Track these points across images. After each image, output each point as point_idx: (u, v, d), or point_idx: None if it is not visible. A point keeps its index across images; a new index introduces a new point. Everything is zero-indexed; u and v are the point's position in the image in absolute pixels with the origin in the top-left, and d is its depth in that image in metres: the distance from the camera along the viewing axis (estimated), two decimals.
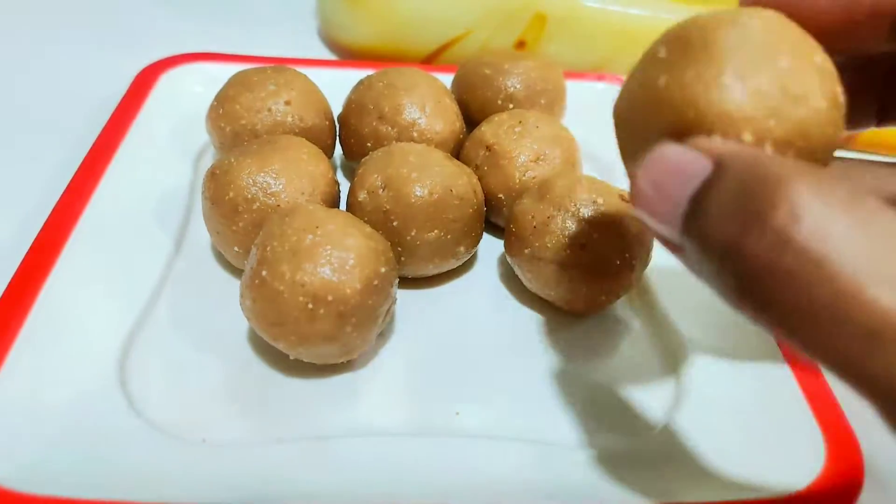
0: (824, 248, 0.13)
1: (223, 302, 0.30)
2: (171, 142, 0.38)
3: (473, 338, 0.30)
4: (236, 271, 0.32)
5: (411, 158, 0.30)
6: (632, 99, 0.21)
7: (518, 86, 0.37)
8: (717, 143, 0.16)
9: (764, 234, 0.14)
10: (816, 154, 0.19)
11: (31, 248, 0.29)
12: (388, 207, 0.30)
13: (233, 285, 0.31)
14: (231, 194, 0.29)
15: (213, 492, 0.23)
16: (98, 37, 0.51)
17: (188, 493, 0.22)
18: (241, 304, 0.27)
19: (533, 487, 0.24)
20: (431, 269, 0.31)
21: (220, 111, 0.34)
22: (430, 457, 0.25)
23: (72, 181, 0.32)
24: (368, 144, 0.35)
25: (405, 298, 0.31)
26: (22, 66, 0.47)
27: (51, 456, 0.23)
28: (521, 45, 0.48)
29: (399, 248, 0.30)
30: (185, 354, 0.28)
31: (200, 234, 0.33)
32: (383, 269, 0.26)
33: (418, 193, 0.30)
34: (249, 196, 0.29)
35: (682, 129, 0.18)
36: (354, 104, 0.36)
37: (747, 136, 0.18)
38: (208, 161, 0.38)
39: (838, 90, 0.19)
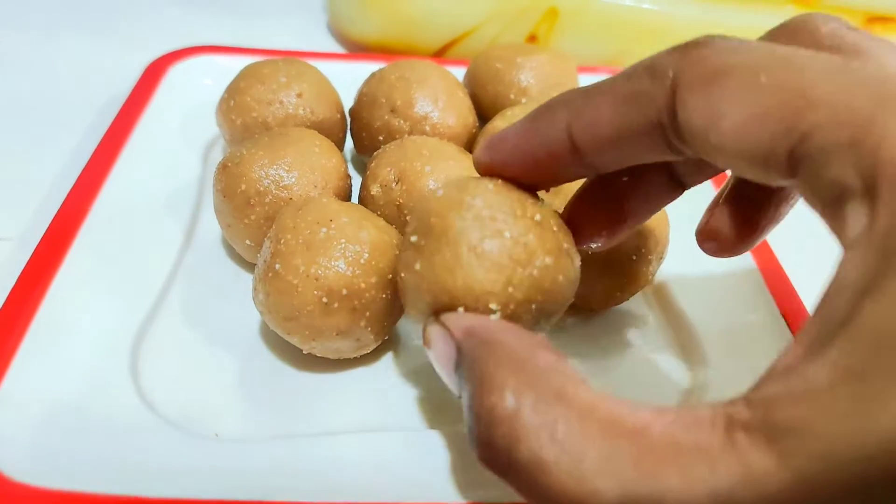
0: (516, 435, 0.15)
1: (235, 296, 0.30)
2: (181, 134, 0.37)
3: None
4: (247, 265, 0.32)
5: (425, 152, 0.30)
6: (402, 279, 0.23)
7: (531, 80, 0.37)
8: (459, 322, 0.20)
9: (481, 413, 0.16)
10: (558, 299, 0.22)
11: (42, 240, 0.28)
12: (401, 201, 0.29)
13: (244, 279, 0.31)
14: (243, 187, 0.29)
15: (226, 486, 0.22)
16: (108, 29, 0.51)
17: (201, 488, 0.22)
18: (253, 298, 0.26)
19: None
20: None
21: (231, 103, 0.34)
22: (444, 452, 0.25)
23: (82, 174, 0.32)
24: (380, 138, 0.35)
25: None
26: (33, 59, 0.47)
27: (63, 450, 0.23)
28: (532, 39, 0.47)
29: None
30: (196, 348, 0.28)
31: (211, 227, 0.32)
32: None
33: (432, 187, 0.29)
34: (262, 189, 0.28)
35: (442, 307, 0.21)
36: (366, 97, 0.35)
37: (494, 306, 0.21)
38: (218, 154, 0.38)
39: (561, 240, 0.22)
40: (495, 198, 0.22)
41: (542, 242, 0.22)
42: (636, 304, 0.32)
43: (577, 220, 0.23)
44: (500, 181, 0.23)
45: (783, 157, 0.15)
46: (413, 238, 0.23)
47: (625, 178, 0.23)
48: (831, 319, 0.13)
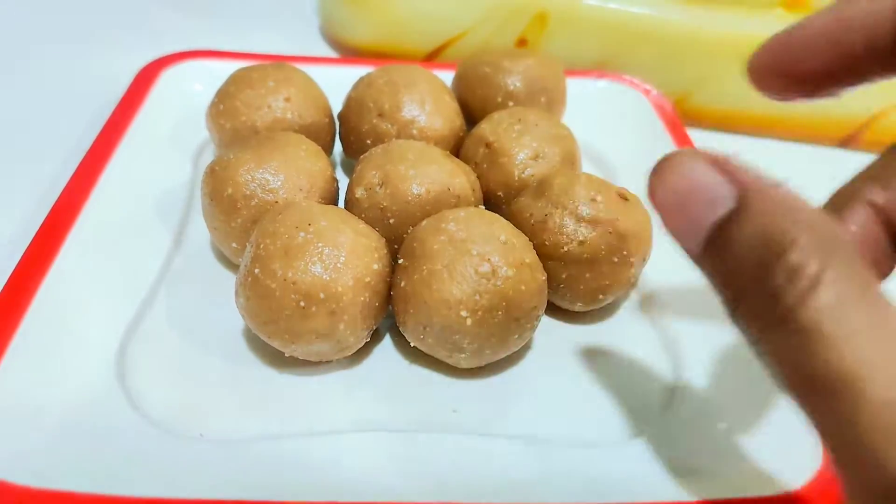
0: (835, 331, 0.14)
1: (221, 298, 0.30)
2: (172, 139, 0.38)
3: None
4: (234, 267, 0.32)
5: (409, 156, 0.30)
6: (392, 296, 0.27)
7: (518, 84, 0.37)
8: (742, 171, 0.16)
9: (775, 292, 0.14)
10: (522, 305, 0.26)
11: (32, 243, 0.29)
12: (385, 204, 0.30)
13: (231, 281, 0.31)
14: (230, 191, 0.29)
15: (211, 486, 0.23)
16: (99, 34, 0.52)
17: (186, 488, 0.22)
18: (235, 302, 0.27)
19: (530, 484, 0.24)
20: None
21: (221, 108, 0.34)
22: (427, 453, 0.25)
23: (72, 178, 0.32)
24: (368, 142, 0.35)
25: None
26: (22, 63, 0.47)
27: (49, 450, 0.23)
28: (522, 42, 0.48)
29: (396, 245, 0.30)
30: (183, 350, 0.28)
31: (200, 231, 0.33)
32: (376, 266, 0.26)
33: (415, 191, 0.30)
34: (248, 192, 0.29)
35: (426, 317, 0.26)
36: (354, 101, 0.36)
37: (464, 313, 0.25)
38: (208, 158, 0.38)
39: (523, 255, 0.26)
40: (466, 223, 0.26)
41: (505, 258, 0.26)
42: (620, 305, 0.33)
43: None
44: (472, 209, 0.28)
45: None
46: (401, 261, 0.27)
47: None
48: None
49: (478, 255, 0.26)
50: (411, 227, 0.30)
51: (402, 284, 0.27)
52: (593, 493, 0.24)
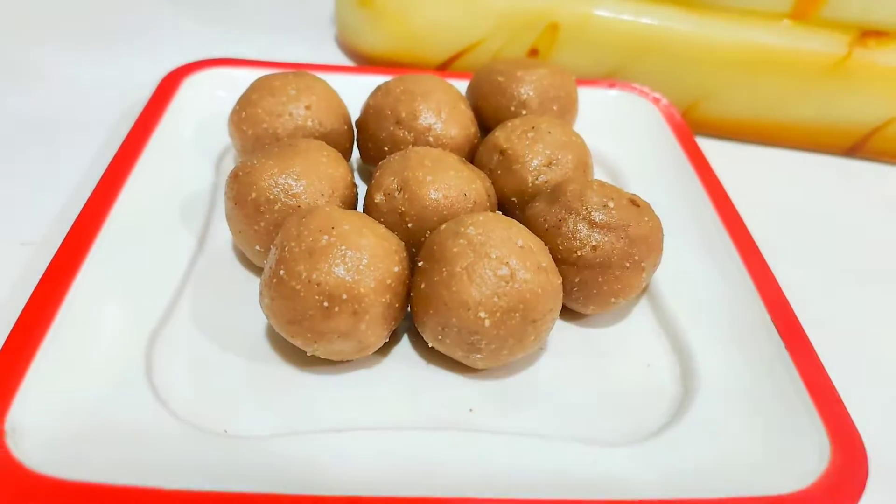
0: None
1: (244, 299, 0.31)
2: (195, 144, 0.39)
3: None
4: (257, 269, 0.33)
5: (427, 162, 0.31)
6: (411, 298, 0.28)
7: (531, 93, 0.38)
8: None
9: None
10: (538, 307, 0.26)
11: (62, 244, 0.30)
12: (403, 209, 0.31)
13: (253, 283, 0.32)
14: (253, 195, 0.30)
15: (234, 480, 0.23)
16: (126, 43, 0.53)
17: (210, 482, 0.23)
18: (260, 302, 0.27)
19: (542, 482, 0.25)
20: None
21: (243, 115, 0.35)
22: (443, 451, 0.26)
23: (99, 182, 0.33)
24: (385, 148, 0.36)
25: None
26: (54, 72, 0.49)
27: (80, 444, 0.24)
28: (534, 52, 0.49)
29: (414, 249, 0.31)
30: (207, 349, 0.29)
31: (222, 233, 0.34)
32: (396, 269, 0.27)
33: (433, 196, 0.30)
34: (271, 197, 0.30)
35: (445, 318, 0.26)
36: (372, 109, 0.37)
37: (482, 314, 0.26)
38: (230, 163, 0.39)
39: (540, 259, 0.27)
40: (484, 227, 0.27)
41: (523, 262, 0.26)
42: (631, 309, 0.33)
43: None
44: (490, 214, 0.28)
45: None
46: (420, 263, 0.28)
47: None
48: None
49: (497, 259, 0.26)
50: (428, 231, 0.30)
51: (422, 286, 0.27)
52: (604, 491, 0.24)
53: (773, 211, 0.41)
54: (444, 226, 0.28)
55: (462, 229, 0.27)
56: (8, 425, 0.23)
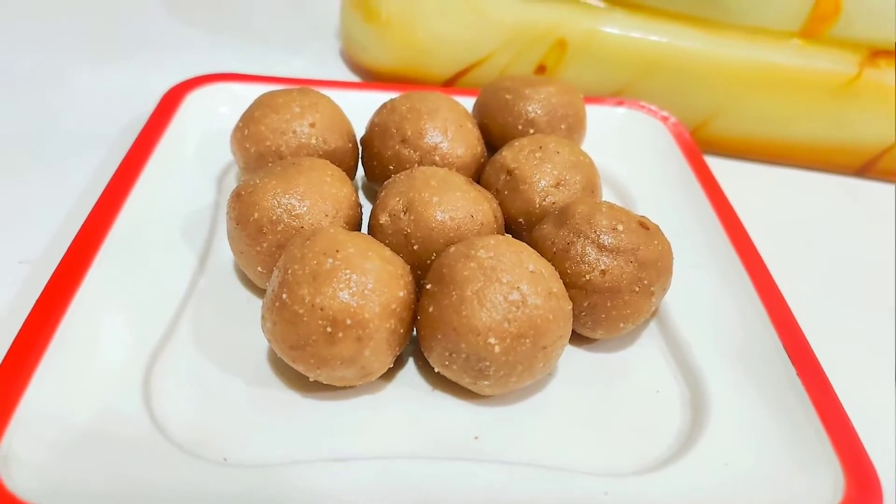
0: None
1: (245, 321, 0.30)
2: (197, 161, 0.38)
3: None
4: (259, 290, 0.32)
5: (433, 183, 0.31)
6: (418, 321, 0.28)
7: (539, 111, 0.38)
8: None
9: None
10: (548, 334, 0.26)
11: (61, 263, 0.29)
12: (409, 231, 0.30)
13: (255, 305, 0.32)
14: (256, 215, 0.29)
15: None
16: (128, 56, 0.53)
17: None
18: (262, 326, 0.27)
19: None
20: None
21: (246, 132, 0.34)
22: (448, 480, 0.25)
23: (100, 198, 0.33)
24: (391, 167, 0.35)
25: None
26: (53, 85, 0.48)
27: (75, 471, 0.23)
28: (541, 69, 0.48)
29: (419, 272, 0.30)
30: (207, 373, 0.28)
31: (224, 253, 0.33)
32: (401, 294, 0.26)
33: (439, 218, 0.30)
34: (274, 217, 0.29)
35: (454, 343, 0.26)
36: (377, 127, 0.36)
37: (492, 339, 0.25)
38: (232, 180, 0.39)
39: (551, 285, 0.26)
40: (495, 250, 0.27)
41: (534, 287, 0.26)
42: (639, 334, 0.33)
43: None
44: (500, 237, 0.28)
45: None
46: (428, 286, 0.27)
47: None
48: None
49: (507, 283, 0.26)
50: (434, 254, 0.30)
51: (430, 309, 0.27)
52: None
53: (782, 231, 0.41)
54: (453, 248, 0.28)
55: (472, 252, 0.27)
56: (0, 454, 0.23)
